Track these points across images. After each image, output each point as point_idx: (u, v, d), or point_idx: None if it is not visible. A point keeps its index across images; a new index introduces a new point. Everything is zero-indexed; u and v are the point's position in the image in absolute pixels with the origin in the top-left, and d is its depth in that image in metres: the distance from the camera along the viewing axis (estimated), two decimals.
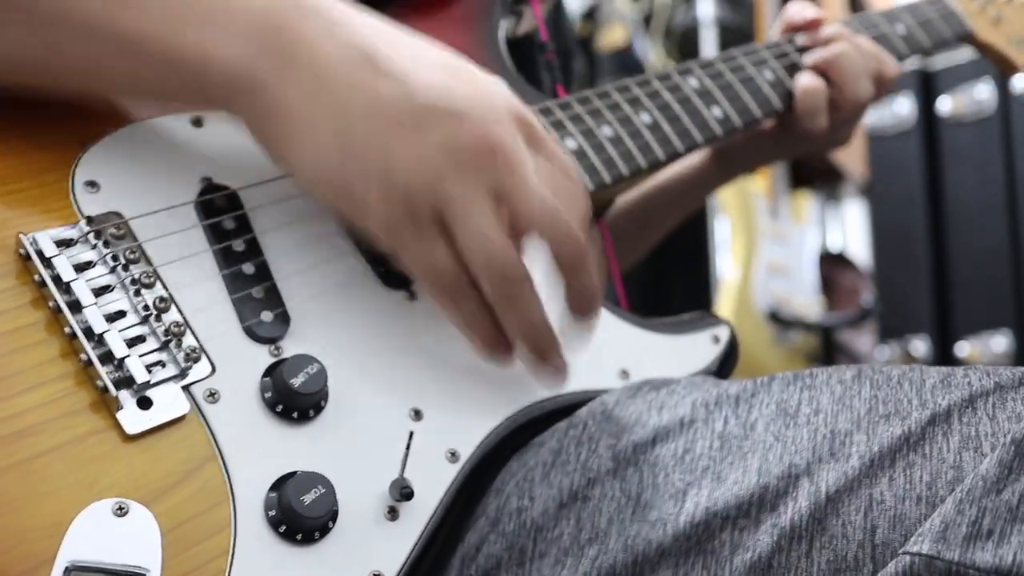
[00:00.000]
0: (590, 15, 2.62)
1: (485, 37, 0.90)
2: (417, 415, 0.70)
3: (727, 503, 0.64)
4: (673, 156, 0.92)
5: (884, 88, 1.07)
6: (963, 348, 1.92)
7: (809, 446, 0.65)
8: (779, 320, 2.59)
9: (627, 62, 2.68)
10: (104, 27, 0.66)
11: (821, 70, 1.02)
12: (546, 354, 0.71)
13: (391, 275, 0.74)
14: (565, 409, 0.75)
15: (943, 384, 0.65)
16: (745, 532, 0.63)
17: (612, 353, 0.80)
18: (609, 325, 0.81)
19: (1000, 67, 1.24)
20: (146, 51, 0.66)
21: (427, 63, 0.69)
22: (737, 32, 2.62)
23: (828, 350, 2.64)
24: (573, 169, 0.73)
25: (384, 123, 0.67)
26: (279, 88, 0.67)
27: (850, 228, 3.27)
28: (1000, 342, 1.88)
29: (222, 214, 0.71)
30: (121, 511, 0.59)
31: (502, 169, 0.67)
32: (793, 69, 1.03)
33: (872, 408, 0.65)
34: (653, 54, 2.70)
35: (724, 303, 2.56)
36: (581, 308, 0.72)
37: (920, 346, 1.98)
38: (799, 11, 1.07)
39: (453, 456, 0.70)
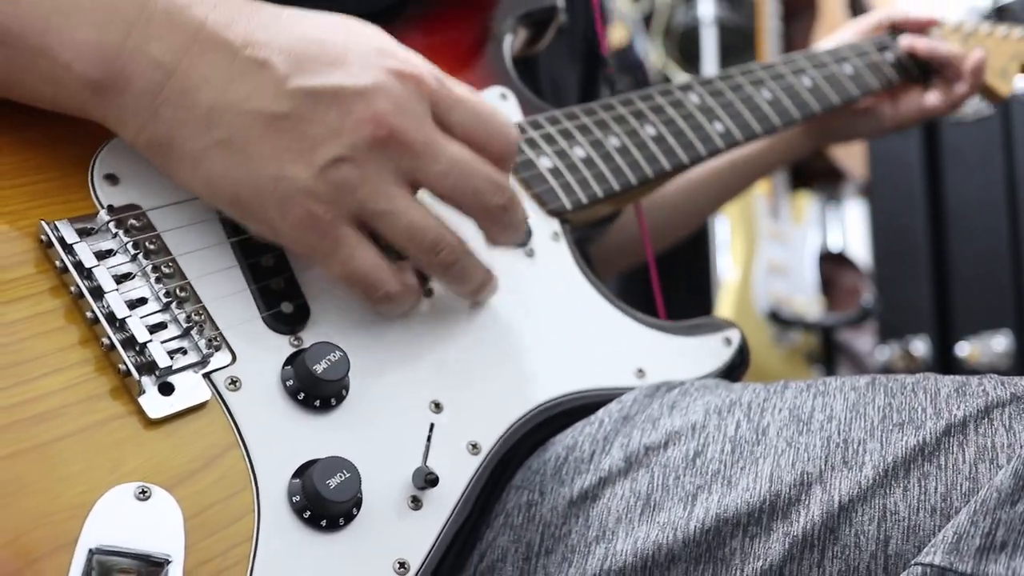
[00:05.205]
0: None
1: (491, 50, 0.91)
2: (437, 407, 0.70)
3: (738, 509, 0.64)
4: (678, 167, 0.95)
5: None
6: (963, 348, 1.92)
7: (822, 454, 0.64)
8: (779, 320, 2.59)
9: (627, 62, 2.67)
10: None
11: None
12: (485, 292, 0.73)
13: None
14: (585, 407, 0.76)
15: (958, 393, 0.65)
16: (756, 540, 0.63)
17: (628, 353, 0.80)
18: (625, 326, 0.82)
19: (985, 96, 1.30)
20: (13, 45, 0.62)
21: (291, 41, 0.63)
22: (737, 32, 2.62)
23: (828, 350, 2.64)
24: (488, 108, 0.69)
25: (263, 127, 0.63)
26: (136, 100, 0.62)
27: (850, 228, 3.27)
28: (1000, 342, 1.87)
29: None
30: (144, 495, 0.58)
31: (402, 154, 0.64)
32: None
33: (886, 416, 0.65)
34: (653, 54, 2.70)
35: (724, 303, 2.56)
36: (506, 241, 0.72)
37: (920, 346, 1.98)
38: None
39: (475, 448, 0.70)
